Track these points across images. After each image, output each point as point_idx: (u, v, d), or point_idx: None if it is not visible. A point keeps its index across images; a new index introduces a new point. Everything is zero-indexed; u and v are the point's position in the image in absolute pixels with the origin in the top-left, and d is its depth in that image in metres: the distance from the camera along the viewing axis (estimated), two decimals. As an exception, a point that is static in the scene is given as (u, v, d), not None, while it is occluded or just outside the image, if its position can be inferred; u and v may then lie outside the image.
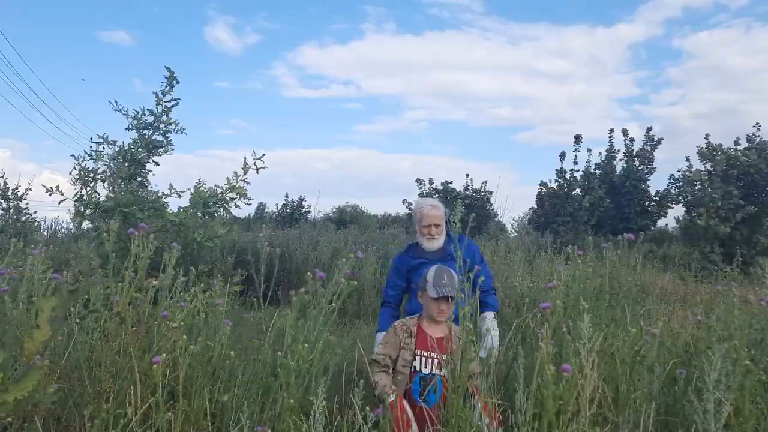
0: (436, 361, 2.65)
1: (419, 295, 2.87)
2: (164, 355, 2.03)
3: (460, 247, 3.27)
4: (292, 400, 2.00)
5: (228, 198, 4.69)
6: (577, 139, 13.22)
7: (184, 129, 4.77)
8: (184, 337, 2.11)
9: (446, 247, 3.45)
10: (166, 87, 4.69)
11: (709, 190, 10.94)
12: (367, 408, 1.85)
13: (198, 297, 2.66)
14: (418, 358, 2.68)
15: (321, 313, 2.30)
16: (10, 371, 1.74)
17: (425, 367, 2.67)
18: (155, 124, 4.68)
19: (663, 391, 2.44)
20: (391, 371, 2.71)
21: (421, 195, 16.51)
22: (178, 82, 4.72)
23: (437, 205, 3.55)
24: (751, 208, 10.70)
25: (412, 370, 2.67)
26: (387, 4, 44.27)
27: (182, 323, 2.25)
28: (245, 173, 4.63)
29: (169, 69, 4.71)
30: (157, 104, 4.70)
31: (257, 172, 4.61)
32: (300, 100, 44.63)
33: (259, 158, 4.56)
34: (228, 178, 4.68)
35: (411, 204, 16.53)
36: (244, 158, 4.58)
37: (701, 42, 43.16)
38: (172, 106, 4.73)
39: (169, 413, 1.94)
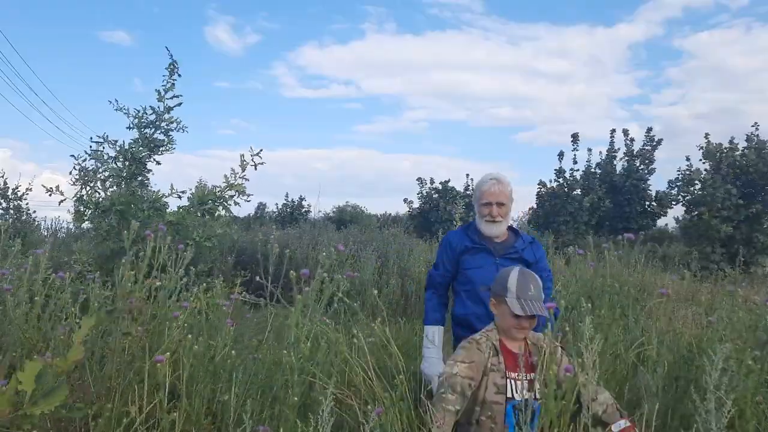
0: (526, 383, 2.12)
1: (492, 303, 2.25)
2: (168, 354, 2.03)
3: (528, 245, 2.81)
4: (296, 398, 2.00)
5: (227, 196, 4.67)
6: (575, 137, 13.25)
7: (186, 127, 4.75)
8: (189, 336, 2.11)
9: (513, 243, 2.84)
10: (168, 81, 4.65)
11: (711, 189, 10.96)
12: (368, 407, 1.84)
13: (200, 297, 2.65)
14: (509, 381, 2.11)
15: (311, 309, 2.24)
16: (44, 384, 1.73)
17: (516, 393, 2.10)
18: (157, 123, 4.66)
19: (665, 391, 2.44)
20: (462, 405, 2.04)
21: (420, 194, 16.37)
22: (180, 75, 4.69)
23: (502, 180, 2.85)
24: (751, 208, 10.72)
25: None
26: (387, 4, 44.31)
27: (185, 324, 2.25)
28: (243, 170, 4.62)
29: (170, 55, 4.63)
30: (159, 101, 4.67)
31: (255, 168, 4.60)
32: (300, 100, 44.67)
33: (257, 154, 4.54)
34: (226, 176, 4.66)
35: (412, 203, 16.44)
36: (241, 155, 4.56)
37: (701, 42, 43.21)
38: (175, 105, 4.70)
39: (173, 413, 1.93)
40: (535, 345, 2.21)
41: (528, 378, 2.11)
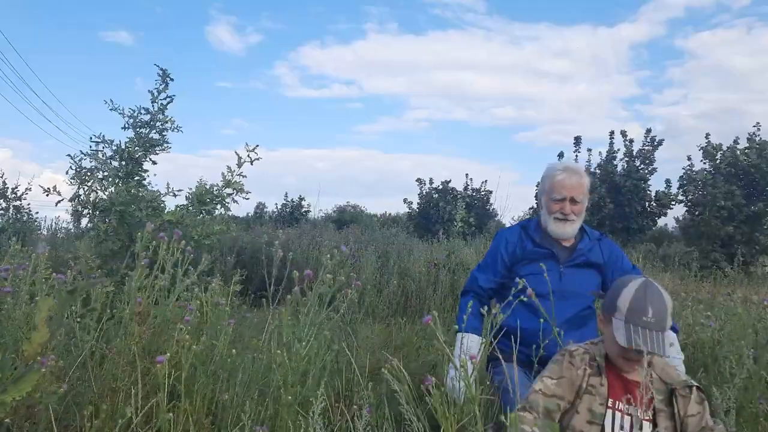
0: (637, 420, 1.67)
1: (600, 319, 1.79)
2: (169, 354, 2.03)
3: (596, 242, 2.38)
4: (290, 397, 1.99)
5: (225, 194, 4.66)
6: (577, 140, 13.31)
7: (180, 127, 4.76)
8: (188, 336, 2.10)
9: (579, 245, 2.38)
10: (161, 85, 4.67)
11: (712, 189, 10.97)
12: (365, 409, 1.84)
13: (199, 297, 2.65)
14: (610, 411, 1.65)
15: (312, 312, 2.24)
16: (9, 371, 1.74)
17: (621, 429, 1.64)
18: (151, 123, 4.67)
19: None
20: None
21: (420, 194, 15.95)
22: (172, 80, 4.70)
23: (578, 171, 2.37)
24: (754, 208, 10.74)
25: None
26: (389, 4, 44.41)
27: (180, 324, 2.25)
28: (240, 167, 4.60)
29: (159, 67, 4.68)
30: (152, 102, 4.69)
31: (252, 164, 4.58)
32: (301, 100, 44.73)
33: (252, 150, 4.52)
34: (223, 174, 4.65)
35: (411, 203, 16.11)
36: (236, 152, 4.55)
37: (703, 42, 43.27)
38: (167, 104, 4.71)
39: (170, 413, 1.93)
40: (663, 381, 1.70)
41: (642, 416, 1.64)
